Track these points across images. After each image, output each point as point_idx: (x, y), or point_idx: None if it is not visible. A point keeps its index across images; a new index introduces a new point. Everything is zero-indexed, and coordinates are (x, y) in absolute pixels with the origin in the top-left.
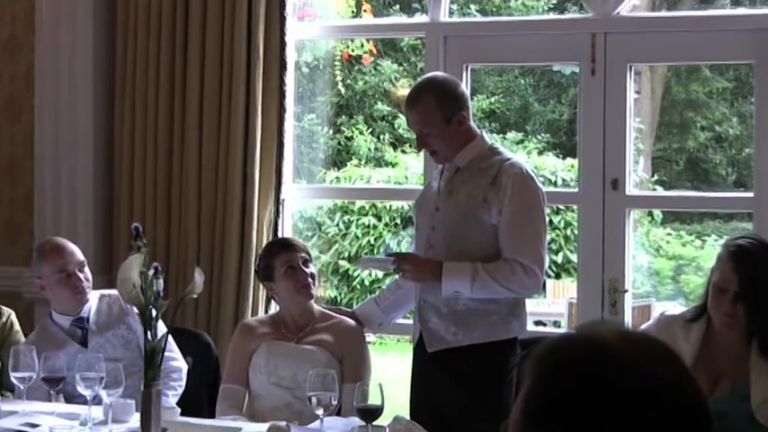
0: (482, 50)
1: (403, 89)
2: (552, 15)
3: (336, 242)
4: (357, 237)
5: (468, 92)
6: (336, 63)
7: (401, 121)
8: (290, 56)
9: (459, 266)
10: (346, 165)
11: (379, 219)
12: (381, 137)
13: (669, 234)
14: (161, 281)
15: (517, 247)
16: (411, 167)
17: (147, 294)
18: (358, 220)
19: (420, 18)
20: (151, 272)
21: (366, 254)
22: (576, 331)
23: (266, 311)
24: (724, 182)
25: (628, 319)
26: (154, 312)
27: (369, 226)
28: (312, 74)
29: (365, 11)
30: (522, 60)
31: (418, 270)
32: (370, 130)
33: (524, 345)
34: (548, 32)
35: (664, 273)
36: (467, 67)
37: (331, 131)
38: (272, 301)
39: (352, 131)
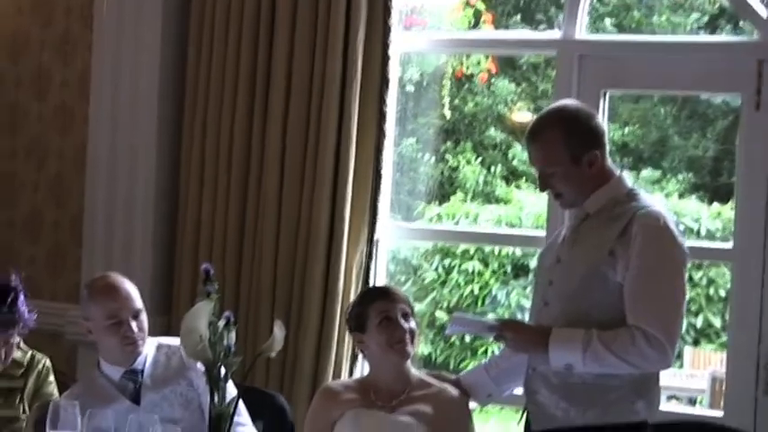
0: (623, 74)
1: (519, 113)
2: (711, 37)
3: (434, 290)
4: (459, 285)
5: (605, 125)
6: (446, 81)
7: (516, 150)
8: (394, 71)
9: (570, 334)
10: (449, 199)
11: (486, 264)
12: (492, 168)
13: None
14: (233, 334)
15: (642, 311)
16: (526, 206)
17: (215, 349)
18: (460, 265)
19: (551, 33)
20: (222, 322)
21: (467, 307)
22: None
23: (350, 372)
24: None
25: None
26: (223, 371)
27: (473, 272)
28: (417, 93)
29: (485, 21)
30: (672, 88)
31: (521, 338)
32: (480, 159)
33: (660, 430)
34: (704, 56)
35: None
36: (604, 94)
37: (433, 159)
38: (360, 357)
39: (458, 160)
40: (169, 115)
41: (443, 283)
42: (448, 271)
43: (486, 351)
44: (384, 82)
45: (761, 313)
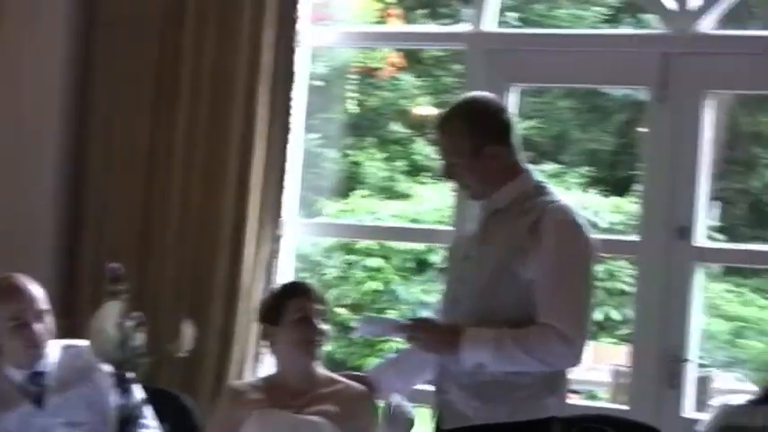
0: (532, 68)
1: (421, 107)
2: (618, 30)
3: (335, 286)
4: (360, 281)
5: (513, 120)
6: (352, 76)
7: (418, 145)
8: (301, 66)
9: (481, 334)
10: (351, 194)
11: (388, 260)
12: (394, 163)
13: (730, 291)
14: (142, 334)
15: (553, 308)
16: (428, 201)
17: (124, 350)
18: (362, 260)
19: (459, 27)
20: (131, 323)
21: (369, 304)
22: None
23: (254, 372)
24: None
25: (690, 394)
26: (131, 372)
27: (375, 269)
28: (321, 88)
29: (391, 16)
30: (580, 81)
31: (432, 339)
32: (382, 154)
33: (568, 424)
34: (611, 49)
35: (721, 336)
36: (512, 88)
37: (336, 155)
38: (263, 358)
39: (361, 156)
40: (72, 111)
41: (345, 280)
42: (349, 267)
43: (387, 348)
44: (290, 76)
45: (665, 307)
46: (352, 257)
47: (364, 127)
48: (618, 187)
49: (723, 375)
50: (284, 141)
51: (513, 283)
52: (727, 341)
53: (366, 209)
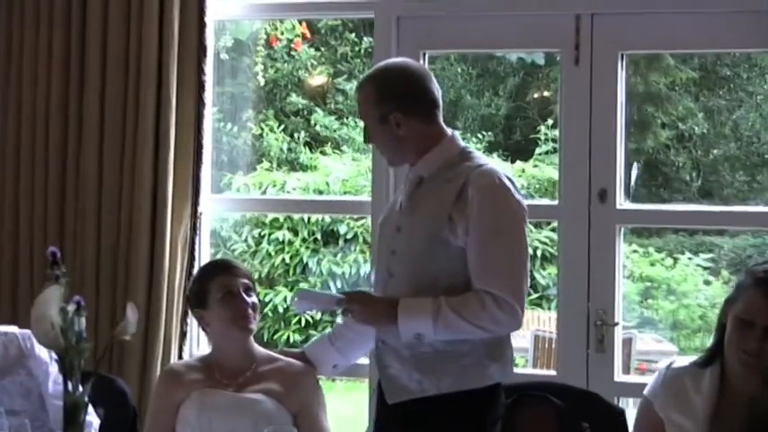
0: (443, 34)
1: (319, 78)
2: None
3: (245, 261)
4: (270, 254)
5: (434, 88)
6: (259, 48)
7: (318, 116)
8: (210, 39)
9: (418, 304)
10: (255, 168)
11: (296, 233)
12: (295, 135)
13: (635, 252)
14: (83, 319)
15: (487, 275)
16: (333, 172)
17: (67, 336)
18: (270, 234)
19: None
20: (72, 307)
21: (279, 274)
22: None
23: (180, 350)
24: (688, 188)
25: (617, 357)
26: (75, 358)
27: (283, 242)
28: (221, 61)
29: None
30: (491, 46)
31: (369, 312)
32: (282, 127)
33: (512, 391)
34: (522, 13)
35: (630, 297)
36: (424, 55)
37: (236, 128)
38: (188, 335)
39: (261, 128)
40: None
41: (254, 254)
42: (258, 241)
43: (299, 321)
44: (201, 50)
45: (589, 271)
46: (259, 231)
47: (263, 99)
48: (515, 151)
49: (641, 336)
50: (199, 117)
51: (445, 252)
52: (638, 302)
53: (271, 182)
